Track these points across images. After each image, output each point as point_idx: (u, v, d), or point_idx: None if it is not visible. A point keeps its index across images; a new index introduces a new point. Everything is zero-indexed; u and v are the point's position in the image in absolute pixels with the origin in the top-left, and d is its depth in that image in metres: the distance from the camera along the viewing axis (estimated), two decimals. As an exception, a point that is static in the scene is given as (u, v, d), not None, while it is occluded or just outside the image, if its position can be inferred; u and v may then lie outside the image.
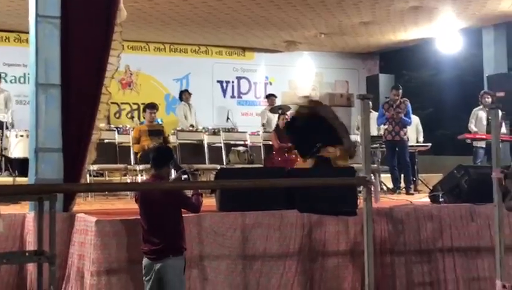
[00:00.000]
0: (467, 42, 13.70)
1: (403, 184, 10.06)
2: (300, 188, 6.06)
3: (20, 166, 9.58)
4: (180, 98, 13.26)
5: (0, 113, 11.11)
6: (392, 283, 6.42)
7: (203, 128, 12.02)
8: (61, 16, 6.17)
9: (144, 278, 5.19)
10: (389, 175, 10.25)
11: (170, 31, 13.09)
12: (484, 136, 10.32)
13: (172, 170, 5.65)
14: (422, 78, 18.74)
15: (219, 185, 6.01)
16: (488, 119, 10.36)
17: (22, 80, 12.89)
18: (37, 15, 6.17)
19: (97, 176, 9.82)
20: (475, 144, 10.89)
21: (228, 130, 11.85)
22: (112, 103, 12.85)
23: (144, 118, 10.58)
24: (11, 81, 12.85)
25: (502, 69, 13.10)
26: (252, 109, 15.01)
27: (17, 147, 10.05)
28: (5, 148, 10.28)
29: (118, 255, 5.42)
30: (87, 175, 8.45)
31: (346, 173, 6.63)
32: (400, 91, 10.17)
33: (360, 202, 5.52)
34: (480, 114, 10.92)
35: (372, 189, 4.62)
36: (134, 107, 13.97)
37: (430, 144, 11.36)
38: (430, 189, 8.07)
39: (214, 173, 8.87)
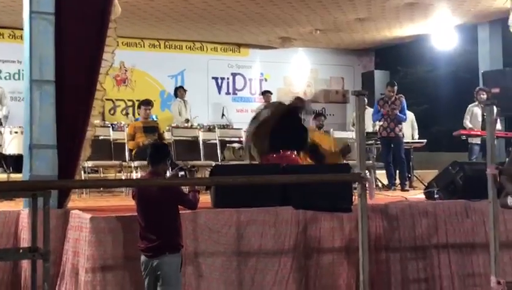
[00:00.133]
0: (462, 39, 13.72)
1: (398, 181, 10.07)
2: (295, 185, 6.05)
3: (14, 163, 9.54)
4: (175, 95, 13.24)
5: (-7, 110, 11.10)
6: (387, 279, 6.41)
7: (198, 124, 12.00)
8: (55, 12, 6.14)
9: (142, 274, 5.18)
10: (384, 171, 10.26)
11: (165, 28, 13.07)
12: (479, 133, 10.34)
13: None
14: (417, 75, 18.80)
15: (214, 181, 6.00)
16: (483, 116, 10.37)
17: (16, 76, 12.86)
18: (31, 11, 6.14)
19: (92, 173, 9.79)
20: (470, 140, 10.91)
21: (223, 127, 11.84)
22: (107, 99, 12.82)
23: (139, 114, 10.56)
24: (5, 78, 12.83)
25: (497, 65, 13.12)
26: (247, 106, 14.99)
27: (12, 144, 9.99)
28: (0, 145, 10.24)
29: (112, 252, 5.40)
30: (82, 172, 8.43)
31: (341, 170, 6.63)
32: (395, 87, 10.18)
33: (355, 198, 5.53)
34: (475, 110, 10.93)
35: (367, 185, 4.62)
36: (129, 103, 13.95)
37: (425, 141, 11.38)
38: (425, 185, 8.07)
39: (209, 169, 8.86)
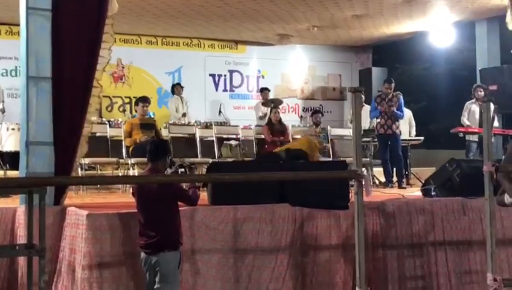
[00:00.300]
0: (460, 36, 13.72)
1: (395, 178, 10.07)
2: (292, 182, 6.05)
3: (11, 160, 9.54)
4: (172, 92, 13.25)
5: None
6: (384, 276, 6.42)
7: (195, 121, 11.99)
8: (52, 8, 6.13)
9: (144, 270, 5.20)
10: (381, 169, 10.27)
11: (162, 24, 13.05)
12: (477, 130, 10.34)
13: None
14: (415, 72, 18.79)
15: (211, 178, 6.00)
16: (480, 113, 10.37)
17: (13, 73, 12.81)
18: (27, 7, 6.13)
19: (89, 170, 9.78)
20: (468, 137, 10.91)
21: (220, 124, 11.83)
22: (104, 96, 12.83)
23: (136, 111, 10.55)
24: (2, 74, 12.79)
25: (495, 62, 13.13)
26: (245, 103, 14.99)
27: (9, 141, 10.01)
28: (-4, 142, 10.24)
29: (109, 249, 5.40)
30: (79, 169, 8.41)
31: (338, 167, 6.63)
32: (393, 85, 10.18)
33: (352, 195, 5.53)
34: (473, 108, 10.93)
35: (364, 183, 4.62)
36: (126, 100, 13.93)
37: (422, 138, 11.38)
38: (422, 183, 8.08)
39: (206, 166, 8.86)
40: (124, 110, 13.55)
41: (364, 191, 4.76)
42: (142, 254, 5.18)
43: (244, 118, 13.73)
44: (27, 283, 4.50)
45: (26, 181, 4.59)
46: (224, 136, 10.79)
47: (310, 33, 13.82)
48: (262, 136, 10.43)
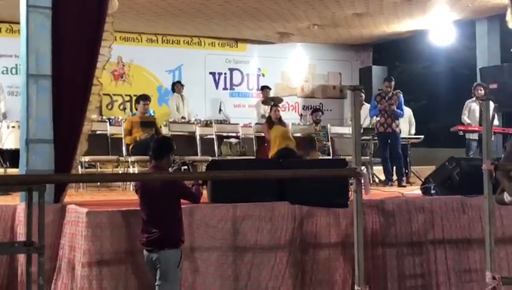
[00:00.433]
0: (460, 34, 13.72)
1: (395, 176, 10.07)
2: (291, 180, 6.05)
3: (11, 157, 9.54)
4: (173, 90, 13.25)
5: (-10, 104, 11.08)
6: (384, 274, 6.42)
7: (196, 120, 11.99)
8: (52, 6, 6.13)
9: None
10: (381, 167, 10.26)
11: (163, 22, 13.06)
12: (477, 128, 10.34)
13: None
14: (415, 70, 18.79)
15: (210, 176, 6.00)
16: (481, 111, 10.36)
17: (13, 70, 12.83)
18: (28, 5, 6.13)
19: (89, 168, 9.78)
20: (468, 136, 10.91)
21: (220, 122, 11.83)
22: (104, 94, 12.85)
23: (137, 109, 10.55)
24: (2, 72, 12.81)
25: (495, 61, 13.13)
26: (245, 101, 15.00)
27: (9, 138, 9.98)
28: (-4, 140, 10.23)
29: (109, 247, 5.40)
30: (79, 167, 8.41)
31: (337, 165, 6.63)
32: (393, 83, 10.17)
33: (352, 194, 5.53)
34: (473, 106, 10.93)
35: (363, 181, 4.62)
36: (127, 98, 13.94)
37: (422, 136, 11.37)
38: (422, 181, 8.08)
39: (206, 164, 8.86)
40: (125, 108, 13.56)
41: (363, 189, 4.76)
42: (144, 251, 5.19)
43: (244, 116, 13.73)
44: (26, 280, 4.50)
45: (26, 178, 4.60)
46: (224, 134, 10.78)
47: (311, 31, 13.82)
48: (263, 134, 10.43)
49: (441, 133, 15.16)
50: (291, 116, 14.12)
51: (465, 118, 10.96)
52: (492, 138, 9.65)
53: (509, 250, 6.90)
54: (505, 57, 13.25)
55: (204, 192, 6.33)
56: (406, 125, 11.42)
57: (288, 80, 15.58)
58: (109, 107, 13.79)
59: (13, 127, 9.91)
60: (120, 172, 9.42)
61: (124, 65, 13.98)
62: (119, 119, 11.29)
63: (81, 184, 8.60)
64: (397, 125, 9.99)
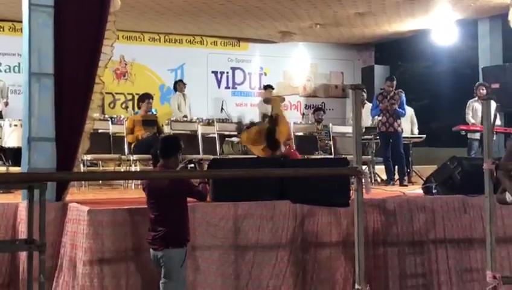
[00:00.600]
0: (462, 34, 13.71)
1: (397, 176, 10.07)
2: (293, 179, 6.05)
3: (13, 155, 9.53)
4: (175, 89, 13.26)
5: (-4, 103, 11.11)
6: (385, 273, 6.43)
7: (197, 118, 12.00)
8: (54, 5, 6.14)
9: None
10: (383, 167, 10.26)
11: (165, 21, 13.06)
12: (479, 128, 10.33)
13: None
14: (417, 70, 18.80)
15: (211, 174, 6.00)
16: (483, 111, 10.36)
17: (16, 69, 12.84)
18: (30, 4, 6.15)
19: (91, 166, 9.79)
20: (470, 135, 10.92)
21: (222, 121, 11.84)
22: (107, 93, 12.86)
23: (139, 108, 10.56)
24: (5, 71, 12.82)
25: (497, 61, 13.11)
26: (247, 100, 14.99)
27: (11, 137, 9.97)
28: (-1, 138, 10.25)
29: (110, 245, 5.41)
30: (81, 165, 8.43)
31: (339, 164, 6.63)
32: (394, 82, 10.16)
33: (353, 193, 5.54)
34: (475, 106, 10.94)
35: (363, 180, 4.63)
36: (129, 97, 13.94)
37: (424, 136, 11.37)
38: (423, 180, 8.08)
39: (207, 163, 8.86)
40: (127, 107, 13.56)
41: (364, 188, 4.77)
42: (151, 250, 5.21)
43: (246, 115, 13.72)
44: (27, 278, 4.51)
45: (27, 176, 4.61)
46: (226, 133, 10.79)
47: (313, 31, 13.82)
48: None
49: (443, 133, 15.18)
50: (293, 115, 14.13)
51: (470, 118, 10.96)
52: (494, 138, 9.65)
53: (510, 249, 6.90)
54: (507, 56, 13.23)
55: (206, 191, 6.36)
56: (408, 124, 11.42)
57: (290, 79, 15.58)
58: (111, 105, 13.80)
59: (15, 125, 9.90)
60: (122, 170, 9.44)
61: (126, 64, 13.99)
62: (121, 118, 11.30)
63: (83, 182, 8.62)
64: (399, 125, 9.99)
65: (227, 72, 14.99)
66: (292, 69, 15.56)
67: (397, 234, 6.51)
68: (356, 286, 4.76)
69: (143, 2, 11.36)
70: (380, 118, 10.13)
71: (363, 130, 10.42)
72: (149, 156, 9.18)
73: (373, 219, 6.40)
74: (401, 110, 10.01)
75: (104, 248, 5.38)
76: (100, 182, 9.26)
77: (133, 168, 9.25)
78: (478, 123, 10.61)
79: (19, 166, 6.70)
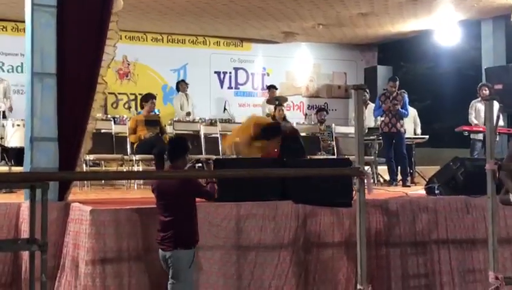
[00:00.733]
0: (465, 34, 13.70)
1: (399, 176, 10.06)
2: (295, 179, 6.05)
3: (16, 155, 9.55)
4: (177, 89, 13.26)
5: (-1, 102, 11.13)
6: (387, 274, 6.41)
7: (200, 118, 12.01)
8: (57, 5, 6.15)
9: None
10: (386, 167, 10.25)
11: (168, 22, 13.08)
12: (481, 129, 10.32)
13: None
14: (420, 70, 18.78)
15: (214, 174, 6.00)
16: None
17: (19, 69, 12.87)
18: (33, 4, 6.15)
19: (93, 166, 9.81)
20: (473, 136, 10.90)
21: (225, 121, 11.83)
22: (110, 93, 12.89)
23: (142, 108, 10.56)
24: (8, 71, 12.85)
25: (500, 61, 13.11)
26: (249, 100, 15.00)
27: (14, 137, 10.01)
28: (2, 138, 10.26)
29: (112, 245, 5.41)
30: (84, 165, 8.44)
31: (341, 164, 6.62)
32: (397, 83, 10.16)
33: (355, 193, 5.53)
34: (478, 106, 10.92)
35: (366, 180, 4.62)
36: (132, 97, 13.97)
37: (427, 136, 11.36)
38: (426, 181, 8.07)
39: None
40: (129, 107, 13.59)
41: (366, 189, 4.76)
42: (160, 250, 5.23)
43: (249, 115, 13.70)
44: (29, 277, 4.52)
45: (29, 176, 4.61)
46: (229, 133, 10.78)
47: (315, 31, 13.82)
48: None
49: (446, 133, 15.15)
50: (296, 116, 14.13)
51: (472, 118, 10.95)
52: (497, 138, 9.67)
53: (513, 250, 6.89)
54: (511, 57, 13.23)
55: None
56: (411, 125, 11.41)
57: (293, 79, 15.58)
58: (114, 105, 13.82)
59: (18, 125, 9.93)
60: (124, 170, 9.45)
61: (129, 64, 14.01)
62: (124, 118, 11.31)
63: (85, 182, 8.62)
64: (402, 125, 9.98)
65: (230, 72, 15.00)
66: (295, 70, 15.56)
67: (400, 235, 6.50)
68: (358, 287, 4.76)
69: (146, 2, 11.37)
70: (382, 118, 10.13)
71: (366, 130, 10.43)
72: (151, 156, 9.19)
73: (376, 220, 6.39)
74: (403, 110, 10.00)
75: (106, 248, 5.38)
76: (102, 182, 9.27)
77: (135, 168, 9.25)
78: (481, 124, 10.58)
79: (22, 166, 6.70)
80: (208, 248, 5.69)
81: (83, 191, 8.42)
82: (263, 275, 5.88)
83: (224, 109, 13.14)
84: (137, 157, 9.20)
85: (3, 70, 12.38)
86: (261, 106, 13.93)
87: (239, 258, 5.80)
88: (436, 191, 7.28)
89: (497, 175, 5.27)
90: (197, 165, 5.65)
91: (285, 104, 11.65)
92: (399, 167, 10.07)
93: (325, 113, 12.46)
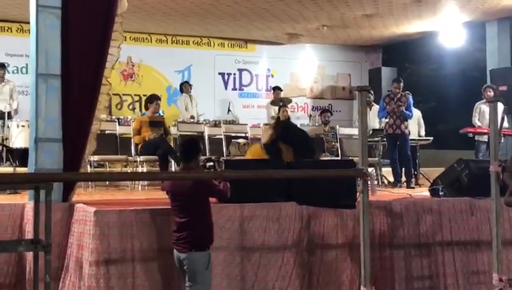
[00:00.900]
0: (470, 36, 13.68)
1: (404, 178, 10.05)
2: (299, 181, 6.05)
3: (21, 156, 9.58)
4: (181, 90, 13.29)
5: (3, 103, 11.14)
6: (391, 276, 6.40)
7: (204, 120, 12.02)
8: (61, 6, 6.16)
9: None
10: (390, 169, 10.25)
11: (172, 23, 13.09)
12: (486, 130, 10.30)
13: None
14: (425, 72, 18.76)
15: (218, 175, 6.00)
16: (490, 113, 10.31)
17: (24, 70, 12.90)
18: (37, 5, 6.17)
19: (98, 167, 9.82)
20: (477, 138, 10.89)
21: (229, 122, 11.85)
22: (114, 94, 12.92)
23: (146, 109, 10.58)
24: (13, 72, 12.86)
25: (505, 63, 13.08)
26: (254, 101, 15.01)
27: (19, 137, 10.04)
28: (7, 139, 10.29)
29: (116, 246, 5.42)
30: (88, 166, 8.45)
31: (345, 166, 6.62)
32: (401, 84, 10.15)
33: (359, 195, 5.53)
34: (483, 108, 10.91)
35: (369, 182, 4.62)
36: (136, 98, 13.99)
37: (431, 138, 11.35)
38: (430, 183, 8.06)
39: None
40: (134, 108, 13.60)
41: (370, 190, 4.76)
42: (175, 251, 5.23)
43: (253, 116, 13.74)
44: (33, 278, 4.53)
45: (33, 177, 4.62)
46: (233, 134, 10.81)
47: (320, 32, 13.82)
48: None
49: (450, 135, 15.13)
50: (300, 117, 14.12)
51: (476, 120, 10.93)
52: (502, 140, 9.64)
53: (517, 252, 6.87)
54: (515, 58, 13.20)
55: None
56: (415, 126, 11.40)
57: (297, 80, 15.58)
58: (118, 107, 13.84)
59: (23, 126, 9.96)
60: (128, 171, 9.46)
61: (133, 65, 14.03)
62: (129, 119, 11.34)
63: (90, 183, 8.64)
64: (406, 127, 9.97)
65: (234, 74, 15.00)
66: (299, 71, 15.56)
67: (404, 236, 6.49)
68: (362, 288, 4.75)
69: (150, 3, 11.39)
70: (387, 120, 10.12)
71: (370, 132, 10.42)
72: (156, 157, 9.20)
73: (380, 221, 6.38)
74: (408, 112, 9.99)
75: (110, 249, 5.38)
76: (107, 183, 9.28)
77: (139, 169, 9.27)
78: (485, 125, 10.57)
79: (26, 167, 6.72)
80: (211, 249, 5.68)
81: (87, 192, 8.43)
82: (267, 277, 5.88)
83: (229, 110, 13.15)
84: (142, 158, 9.21)
85: (8, 72, 12.40)
86: (265, 107, 13.94)
87: (243, 260, 5.80)
88: (441, 193, 7.27)
89: (501, 177, 5.26)
90: (207, 164, 5.64)
91: (289, 106, 11.65)
92: (403, 169, 10.06)
93: (329, 114, 12.45)
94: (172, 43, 14.38)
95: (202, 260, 5.16)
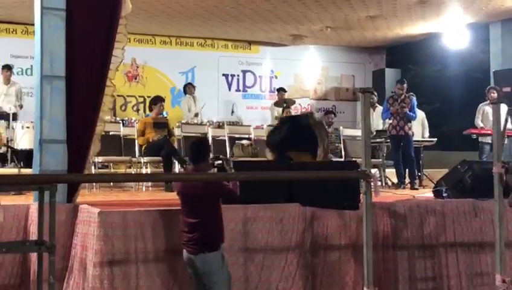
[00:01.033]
0: (474, 37, 13.68)
1: (407, 179, 10.05)
2: (302, 182, 6.05)
3: (26, 157, 9.63)
4: (184, 92, 13.32)
5: (9, 104, 11.19)
6: (395, 277, 6.40)
7: (208, 121, 12.04)
8: (66, 8, 6.18)
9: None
10: (394, 170, 10.25)
11: (176, 24, 13.12)
12: (490, 132, 10.28)
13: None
14: (428, 73, 18.76)
15: (220, 177, 6.00)
16: (494, 115, 10.30)
17: (28, 72, 12.94)
18: (42, 7, 6.18)
19: (102, 168, 9.86)
20: (481, 139, 10.88)
21: (232, 124, 11.87)
22: (118, 95, 12.95)
23: (150, 110, 10.62)
24: (18, 73, 12.90)
25: (508, 64, 13.06)
26: (257, 103, 15.03)
27: (23, 139, 10.10)
28: (11, 140, 10.33)
29: (120, 247, 5.42)
30: (92, 167, 8.47)
31: (349, 167, 6.62)
32: (405, 85, 10.16)
33: (362, 196, 5.53)
34: (486, 109, 10.90)
35: (372, 183, 4.62)
36: (140, 100, 14.03)
37: (435, 139, 11.35)
38: (434, 184, 8.06)
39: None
40: (138, 110, 13.64)
41: (373, 191, 4.76)
42: (184, 252, 5.20)
43: (257, 118, 13.76)
44: (37, 279, 4.54)
45: (37, 178, 4.64)
46: (236, 135, 10.83)
47: (324, 34, 13.84)
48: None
49: (454, 136, 15.13)
50: (303, 118, 14.10)
51: (479, 122, 10.92)
52: (506, 141, 9.64)
53: (520, 253, 6.86)
54: (519, 60, 13.18)
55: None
56: (419, 128, 11.40)
57: (301, 82, 15.59)
58: (123, 108, 13.88)
59: (27, 127, 10.02)
60: (132, 173, 9.48)
61: (137, 67, 14.07)
62: (133, 121, 11.38)
63: (94, 184, 8.66)
64: (410, 128, 9.98)
65: (238, 75, 15.03)
66: (303, 72, 15.58)
67: (407, 238, 6.49)
68: (365, 289, 4.75)
69: (154, 5, 11.41)
70: (390, 121, 10.13)
71: (374, 133, 10.43)
72: (159, 158, 9.23)
73: (383, 222, 6.37)
74: (411, 113, 9.99)
75: (114, 250, 5.39)
76: (111, 184, 9.31)
77: (143, 171, 9.29)
78: (489, 127, 10.56)
79: (31, 168, 6.74)
80: (216, 250, 5.70)
81: (91, 193, 8.46)
82: (270, 278, 5.88)
83: (232, 111, 13.16)
84: (146, 159, 9.24)
85: (13, 73, 12.44)
86: (269, 108, 13.96)
87: (246, 261, 5.80)
88: (444, 194, 7.27)
89: (505, 178, 5.26)
90: (216, 162, 5.63)
91: (292, 107, 11.67)
92: (407, 170, 10.06)
93: (332, 115, 12.48)
94: (176, 44, 14.41)
95: (216, 261, 5.13)
